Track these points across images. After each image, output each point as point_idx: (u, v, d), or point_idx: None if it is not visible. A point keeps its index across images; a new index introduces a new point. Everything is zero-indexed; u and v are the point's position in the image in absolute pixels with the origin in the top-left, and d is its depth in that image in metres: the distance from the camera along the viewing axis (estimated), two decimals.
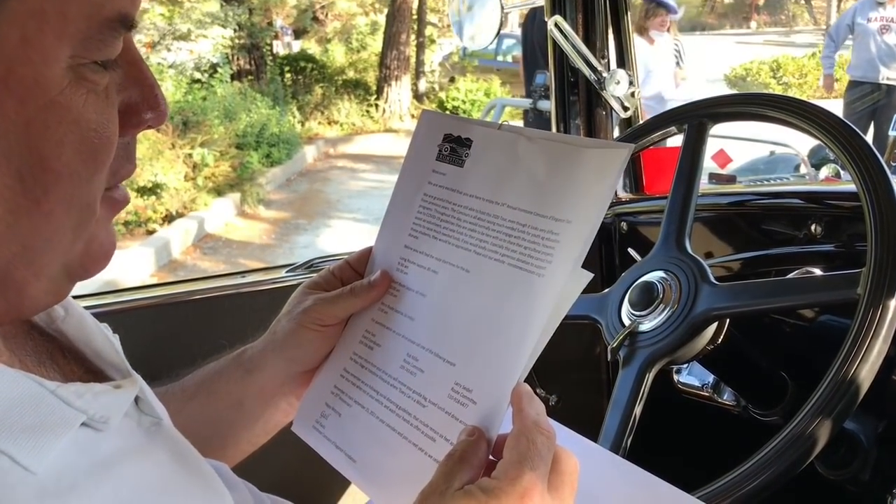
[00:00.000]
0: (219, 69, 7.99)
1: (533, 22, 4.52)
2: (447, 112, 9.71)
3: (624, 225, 1.41)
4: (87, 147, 0.40)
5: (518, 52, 7.80)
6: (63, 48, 0.38)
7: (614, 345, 0.89)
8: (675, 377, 1.14)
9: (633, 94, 1.43)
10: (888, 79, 5.62)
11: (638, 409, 0.85)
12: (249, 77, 9.08)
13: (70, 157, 0.40)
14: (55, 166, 0.39)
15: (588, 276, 0.55)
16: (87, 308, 1.09)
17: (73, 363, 0.49)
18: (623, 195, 1.48)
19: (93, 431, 0.42)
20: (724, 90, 10.56)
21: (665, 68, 4.98)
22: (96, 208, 0.43)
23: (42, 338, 0.49)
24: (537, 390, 0.53)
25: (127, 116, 0.44)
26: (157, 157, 5.60)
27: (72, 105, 0.39)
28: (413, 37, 10.37)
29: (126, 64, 0.43)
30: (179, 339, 1.18)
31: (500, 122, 0.65)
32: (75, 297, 1.17)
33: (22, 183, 0.38)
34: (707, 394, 1.10)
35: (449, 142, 0.64)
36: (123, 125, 0.43)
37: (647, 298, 0.90)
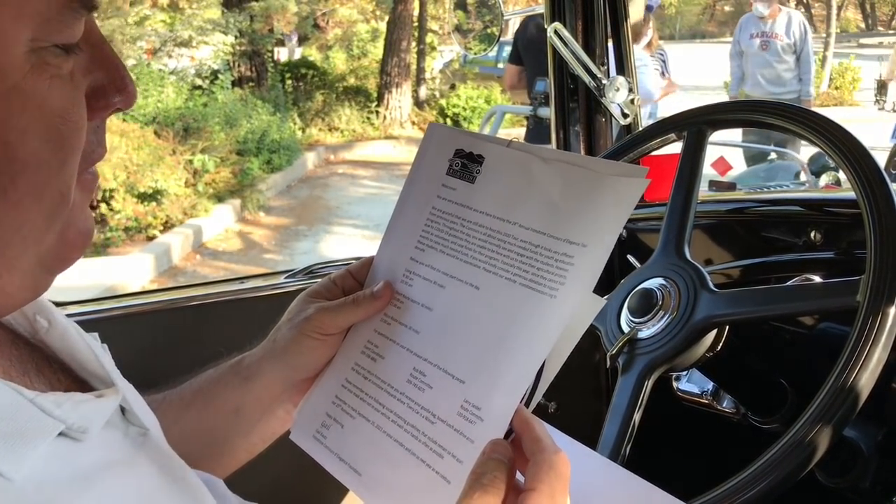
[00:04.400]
0: (220, 76, 7.98)
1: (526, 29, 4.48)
2: (448, 118, 9.74)
3: (623, 231, 1.40)
4: (54, 134, 0.39)
5: None
6: (22, 30, 0.37)
7: (613, 351, 0.89)
8: (675, 384, 1.14)
9: (632, 101, 1.43)
10: (774, 97, 5.61)
11: (637, 417, 0.84)
12: (250, 84, 9.08)
13: (37, 146, 0.38)
14: (21, 155, 0.38)
15: (602, 302, 0.56)
16: (83, 314, 1.10)
17: (60, 373, 0.49)
18: None
19: (73, 442, 0.42)
20: (723, 98, 10.58)
21: (648, 80, 4.96)
22: (70, 196, 0.42)
23: (27, 348, 0.48)
24: None
25: (94, 100, 0.43)
26: (158, 164, 5.59)
27: (35, 91, 0.38)
28: (414, 44, 10.38)
29: (89, 46, 0.43)
30: (177, 345, 1.17)
31: (509, 138, 0.65)
32: (72, 303, 1.17)
33: None
34: (706, 401, 1.10)
35: (460, 157, 0.64)
36: (91, 109, 0.43)
37: (646, 305, 0.90)
